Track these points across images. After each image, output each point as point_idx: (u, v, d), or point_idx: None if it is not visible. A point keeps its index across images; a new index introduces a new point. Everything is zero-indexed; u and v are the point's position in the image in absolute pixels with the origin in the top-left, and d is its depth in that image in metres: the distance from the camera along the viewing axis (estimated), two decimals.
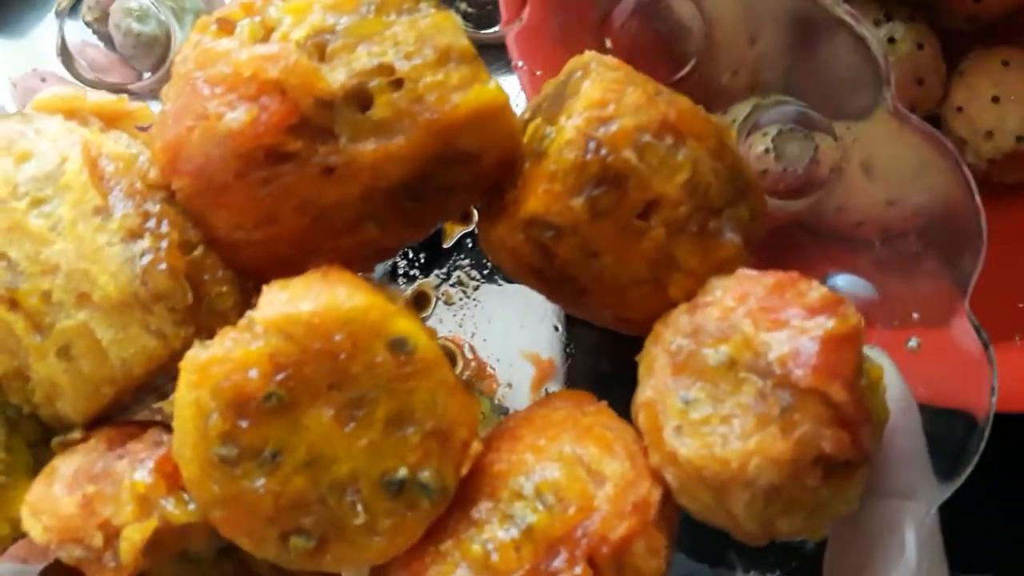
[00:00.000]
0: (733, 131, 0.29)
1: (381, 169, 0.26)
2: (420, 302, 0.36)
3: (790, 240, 0.33)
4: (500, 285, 0.34)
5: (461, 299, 0.34)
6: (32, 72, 0.40)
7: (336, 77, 0.25)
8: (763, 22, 0.33)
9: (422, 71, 0.25)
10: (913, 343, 0.30)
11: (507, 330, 0.36)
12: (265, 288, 0.25)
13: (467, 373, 0.35)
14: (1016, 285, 0.46)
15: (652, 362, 0.26)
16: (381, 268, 0.34)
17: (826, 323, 0.24)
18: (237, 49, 0.25)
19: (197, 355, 0.24)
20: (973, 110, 0.45)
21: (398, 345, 0.24)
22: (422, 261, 0.35)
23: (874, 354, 0.28)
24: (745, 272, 0.26)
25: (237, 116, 0.25)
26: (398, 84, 0.25)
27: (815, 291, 0.25)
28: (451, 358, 0.36)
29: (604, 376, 0.39)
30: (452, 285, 0.35)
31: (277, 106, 0.25)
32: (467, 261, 0.34)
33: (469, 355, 0.35)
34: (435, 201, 0.28)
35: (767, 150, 0.33)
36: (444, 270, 0.35)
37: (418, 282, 0.35)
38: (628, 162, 0.26)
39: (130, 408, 0.28)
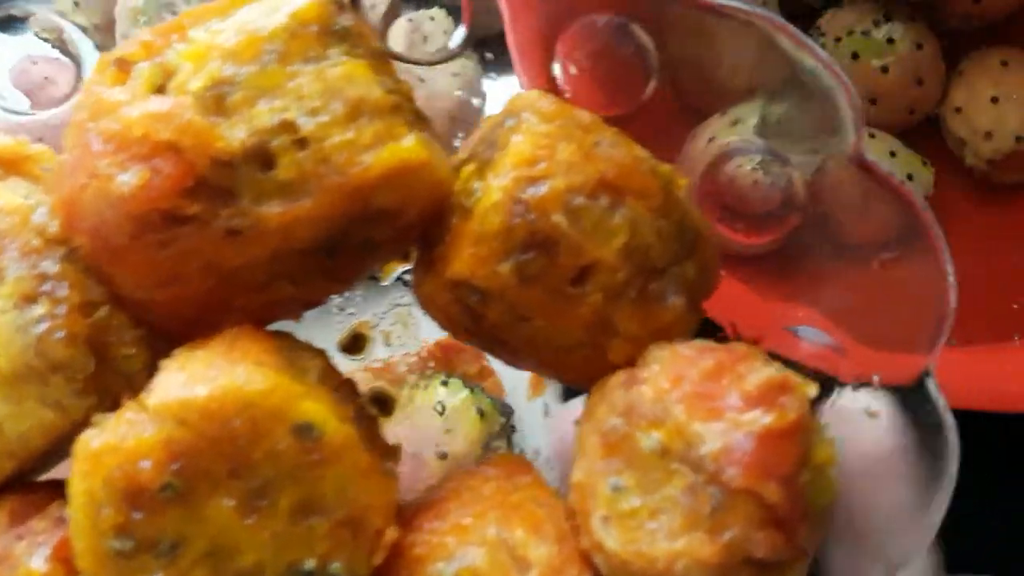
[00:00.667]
0: (682, 179, 0.27)
1: (290, 231, 0.24)
2: (356, 343, 0.34)
3: (748, 294, 0.31)
4: None
5: (401, 337, 0.33)
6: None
7: (235, 135, 0.23)
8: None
9: (329, 129, 0.23)
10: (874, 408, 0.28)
11: None
12: (163, 364, 0.23)
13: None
14: (1016, 285, 0.44)
15: (584, 440, 0.25)
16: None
17: (763, 418, 0.22)
18: (129, 103, 0.23)
19: (88, 441, 0.22)
20: (972, 110, 0.44)
21: (303, 430, 0.22)
22: (358, 299, 0.33)
23: (841, 418, 0.26)
24: (682, 350, 0.24)
25: (127, 180, 0.23)
26: (303, 143, 0.23)
27: (755, 374, 0.23)
28: (385, 404, 0.34)
29: None
30: (392, 324, 0.33)
31: (171, 169, 0.23)
32: (407, 299, 0.33)
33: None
34: (355, 256, 0.26)
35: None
36: (383, 309, 0.33)
37: (354, 321, 0.33)
38: (558, 227, 0.24)
39: (38, 470, 0.27)
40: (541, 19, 0.29)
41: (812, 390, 0.24)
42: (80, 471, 0.22)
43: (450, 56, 0.31)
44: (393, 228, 0.25)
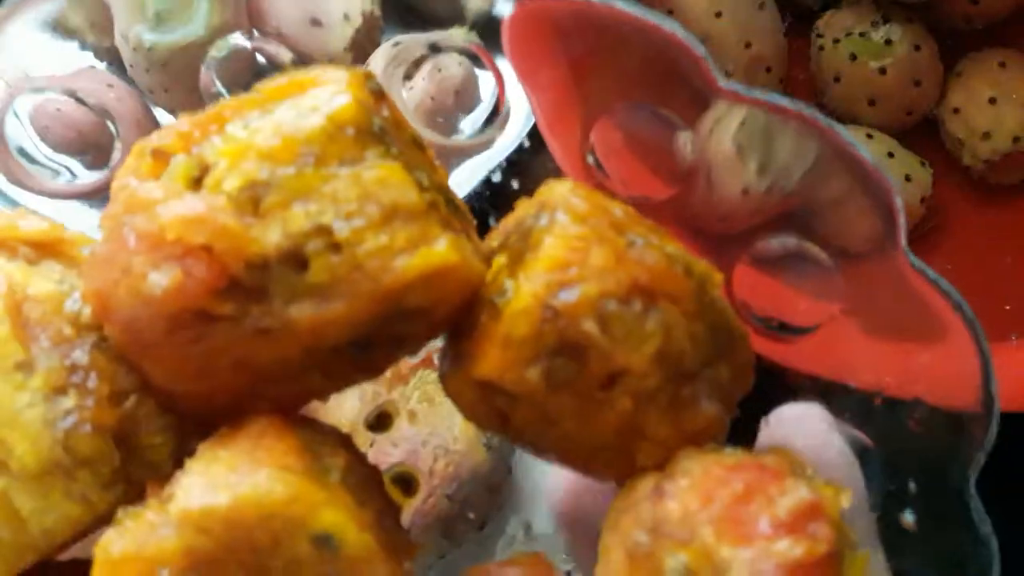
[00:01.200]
0: (717, 274, 0.26)
1: (320, 333, 0.23)
2: (382, 422, 0.34)
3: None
4: None
5: (427, 417, 0.33)
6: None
7: (270, 238, 0.23)
8: None
9: (363, 234, 0.23)
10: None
11: None
12: (187, 463, 0.23)
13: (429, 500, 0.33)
14: (1015, 284, 0.44)
15: (608, 551, 0.24)
16: None
17: (793, 549, 0.21)
18: (163, 202, 0.23)
19: (109, 547, 0.22)
20: (970, 111, 0.44)
21: (323, 540, 0.22)
22: (387, 374, 0.33)
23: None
24: (712, 469, 0.23)
25: (160, 281, 0.23)
26: (337, 248, 0.23)
27: (786, 497, 0.22)
28: (409, 485, 0.34)
29: None
30: (419, 402, 0.33)
31: (204, 271, 0.23)
32: (434, 376, 0.33)
33: (434, 479, 0.33)
34: (386, 348, 0.26)
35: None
36: (409, 385, 0.33)
37: (382, 400, 0.33)
38: (589, 334, 0.23)
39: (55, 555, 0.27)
40: (579, 114, 0.29)
41: (845, 500, 0.23)
42: None
43: (484, 137, 0.31)
44: (424, 324, 0.25)
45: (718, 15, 0.43)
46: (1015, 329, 0.40)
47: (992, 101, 0.43)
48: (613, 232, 0.25)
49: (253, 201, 0.23)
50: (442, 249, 0.23)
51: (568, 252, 0.24)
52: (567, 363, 0.24)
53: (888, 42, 0.43)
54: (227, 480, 0.22)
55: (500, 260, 0.26)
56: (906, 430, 0.27)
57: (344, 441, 0.26)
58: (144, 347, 0.24)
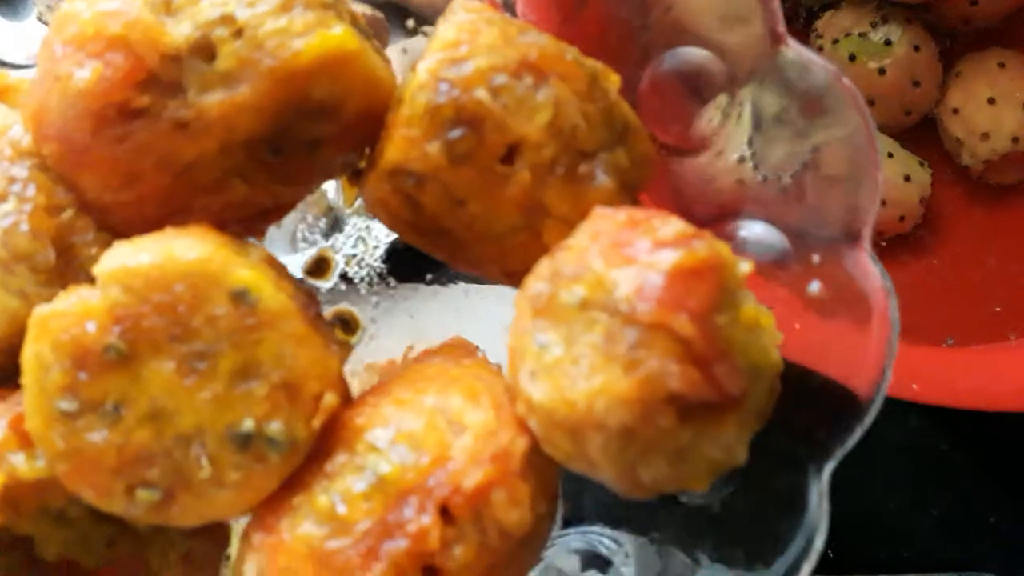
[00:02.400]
0: (614, 75, 0.28)
1: (232, 121, 0.25)
2: (320, 267, 0.35)
3: (705, 199, 0.32)
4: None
5: (362, 259, 0.34)
6: None
7: (180, 30, 0.25)
8: None
9: (263, 18, 0.25)
10: (815, 287, 0.28)
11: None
12: (115, 242, 0.25)
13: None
14: (1013, 284, 0.45)
15: (516, 309, 0.25)
16: (281, 235, 0.34)
17: (672, 256, 0.22)
18: (85, 8, 0.25)
19: (40, 310, 0.24)
20: (969, 112, 0.44)
21: (240, 296, 0.24)
22: (322, 226, 0.34)
23: None
24: (601, 210, 0.25)
25: (84, 74, 0.25)
26: (239, 33, 0.25)
27: (669, 226, 0.23)
28: (349, 325, 0.35)
29: None
30: (353, 247, 0.34)
31: (122, 62, 0.25)
32: (369, 224, 0.34)
33: (371, 326, 0.34)
34: (301, 155, 0.27)
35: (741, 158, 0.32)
36: (346, 233, 0.34)
37: (318, 247, 0.35)
38: (482, 103, 0.25)
39: (12, 378, 0.28)
40: None
41: (745, 266, 0.25)
42: (30, 337, 0.24)
43: None
44: (336, 125, 0.27)
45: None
46: (1013, 328, 0.41)
47: (991, 101, 0.44)
48: (504, 22, 0.27)
49: (166, 2, 0.25)
50: (339, 33, 0.25)
51: (460, 33, 0.26)
52: (465, 135, 0.25)
53: (887, 43, 0.43)
54: (149, 246, 0.24)
55: (408, 73, 0.28)
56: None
57: (265, 250, 0.27)
58: (77, 154, 0.26)
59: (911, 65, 0.44)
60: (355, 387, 0.27)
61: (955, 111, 0.45)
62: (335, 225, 0.35)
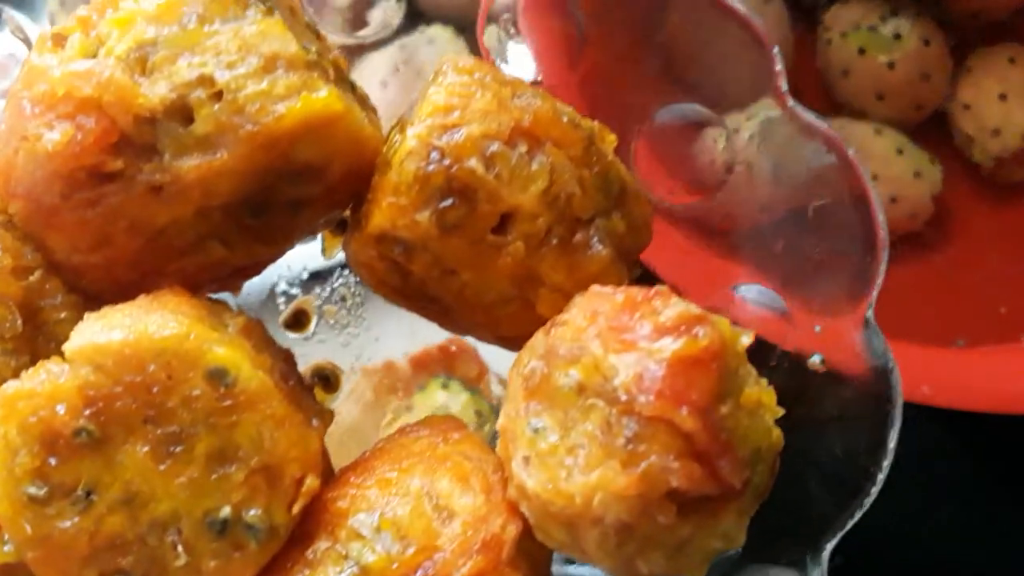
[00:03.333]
0: (610, 134, 0.27)
1: (210, 185, 0.24)
2: (299, 320, 0.34)
3: (694, 252, 0.31)
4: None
5: (342, 317, 0.33)
6: None
7: (156, 91, 0.24)
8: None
9: (243, 81, 0.23)
10: (816, 359, 0.27)
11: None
12: (86, 316, 0.24)
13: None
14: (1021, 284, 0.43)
15: (509, 387, 0.24)
16: (261, 286, 0.33)
17: (673, 345, 0.21)
18: (55, 66, 0.24)
19: (6, 389, 0.22)
20: (980, 107, 0.43)
21: (216, 375, 0.22)
22: (304, 278, 0.33)
23: None
24: (598, 289, 0.24)
25: (53, 136, 0.23)
26: (219, 96, 0.23)
27: (670, 309, 0.22)
28: (330, 382, 0.34)
29: None
30: (335, 302, 0.33)
31: (93, 125, 0.23)
32: (352, 277, 0.33)
33: (354, 374, 0.33)
34: (283, 216, 0.26)
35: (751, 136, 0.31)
36: (326, 286, 0.33)
37: (296, 300, 0.34)
38: (475, 173, 0.24)
39: None
40: None
41: (746, 337, 0.24)
42: None
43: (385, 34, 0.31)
44: (320, 186, 0.26)
45: (707, 45, 0.43)
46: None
47: (1002, 97, 0.43)
48: (497, 84, 0.25)
49: (141, 61, 0.24)
50: (323, 96, 0.24)
51: (451, 98, 0.24)
52: (456, 205, 0.24)
53: (897, 36, 0.42)
54: (121, 322, 0.23)
55: (394, 129, 0.27)
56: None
57: (244, 314, 0.26)
58: (45, 215, 0.25)
59: (921, 59, 0.42)
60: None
61: (966, 107, 0.43)
62: (316, 276, 0.33)
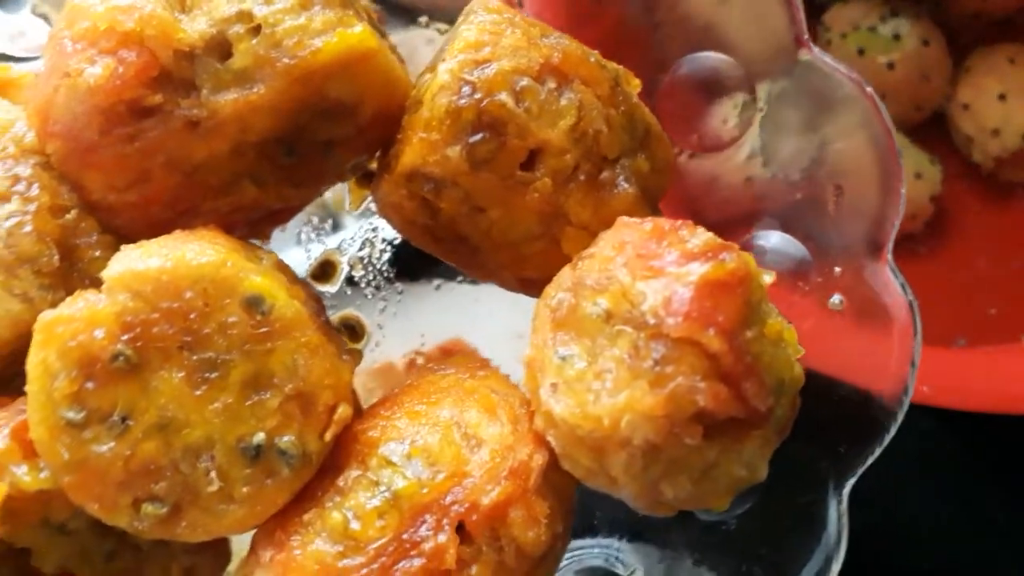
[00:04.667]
0: (635, 78, 0.27)
1: (246, 121, 0.25)
2: (326, 271, 0.34)
3: (715, 198, 0.31)
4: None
5: (369, 266, 0.33)
6: None
7: (195, 27, 0.24)
8: None
9: (281, 16, 0.24)
10: (836, 300, 0.27)
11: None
12: (123, 246, 0.24)
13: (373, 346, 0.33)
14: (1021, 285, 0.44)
15: (536, 320, 0.25)
16: (285, 238, 0.33)
17: (701, 268, 0.22)
18: (98, 3, 0.24)
19: (46, 316, 0.23)
20: (980, 107, 0.44)
21: (253, 303, 0.23)
22: (328, 228, 0.34)
23: None
24: (625, 220, 0.24)
25: (95, 71, 0.24)
26: (257, 30, 0.24)
27: (696, 237, 0.23)
28: (355, 331, 0.34)
29: None
30: (360, 250, 0.33)
31: (135, 58, 0.24)
32: (376, 226, 0.33)
33: (378, 333, 0.34)
34: (315, 156, 0.27)
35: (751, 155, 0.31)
36: (352, 236, 0.33)
37: (324, 250, 0.34)
38: (505, 106, 0.24)
39: (14, 382, 0.27)
40: None
41: (767, 276, 0.24)
42: (36, 342, 0.23)
43: None
44: (352, 126, 0.26)
45: (723, 1, 0.44)
46: None
47: (1002, 98, 0.43)
48: (526, 24, 0.26)
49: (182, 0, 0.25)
50: (358, 32, 0.24)
51: (482, 34, 0.25)
52: (486, 140, 0.25)
53: (896, 37, 0.43)
54: (159, 250, 0.23)
55: (425, 73, 0.27)
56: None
57: (275, 255, 0.27)
58: (83, 152, 0.25)
59: (921, 59, 0.43)
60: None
61: (965, 107, 0.44)
62: (336, 226, 0.34)
